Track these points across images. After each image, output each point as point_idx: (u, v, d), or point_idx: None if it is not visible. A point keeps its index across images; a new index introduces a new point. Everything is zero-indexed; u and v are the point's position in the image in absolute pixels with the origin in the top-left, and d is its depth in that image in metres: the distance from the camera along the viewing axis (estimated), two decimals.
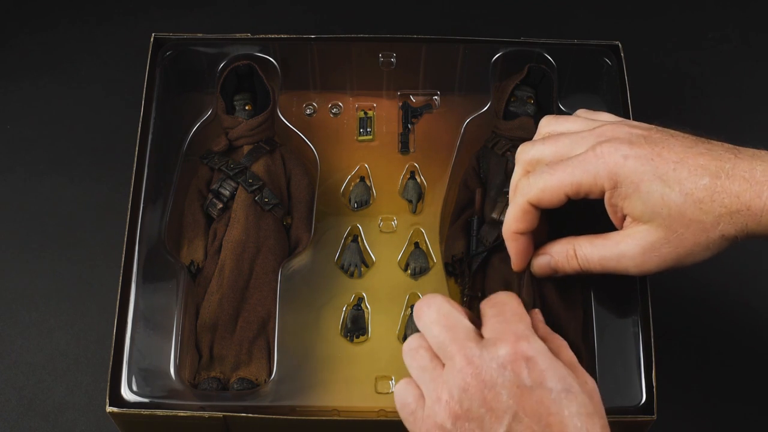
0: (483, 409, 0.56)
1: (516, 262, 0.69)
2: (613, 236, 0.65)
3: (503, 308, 0.60)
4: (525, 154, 0.67)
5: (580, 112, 0.71)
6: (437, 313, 0.60)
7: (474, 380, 0.56)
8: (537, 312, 0.65)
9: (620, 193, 0.62)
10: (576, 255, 0.66)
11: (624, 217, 0.64)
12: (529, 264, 0.69)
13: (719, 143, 0.64)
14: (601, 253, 0.65)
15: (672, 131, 0.65)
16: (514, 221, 0.66)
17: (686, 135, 0.64)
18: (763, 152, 0.63)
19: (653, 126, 0.65)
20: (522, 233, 0.67)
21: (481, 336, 0.59)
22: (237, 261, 0.72)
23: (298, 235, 0.75)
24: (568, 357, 0.60)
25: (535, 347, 0.57)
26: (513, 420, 0.55)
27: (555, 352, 0.59)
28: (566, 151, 0.65)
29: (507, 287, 0.71)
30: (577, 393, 0.56)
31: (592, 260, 0.65)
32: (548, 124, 0.69)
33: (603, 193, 0.63)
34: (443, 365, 0.59)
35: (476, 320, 0.61)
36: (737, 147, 0.64)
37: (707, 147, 0.63)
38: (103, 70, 0.94)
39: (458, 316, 0.60)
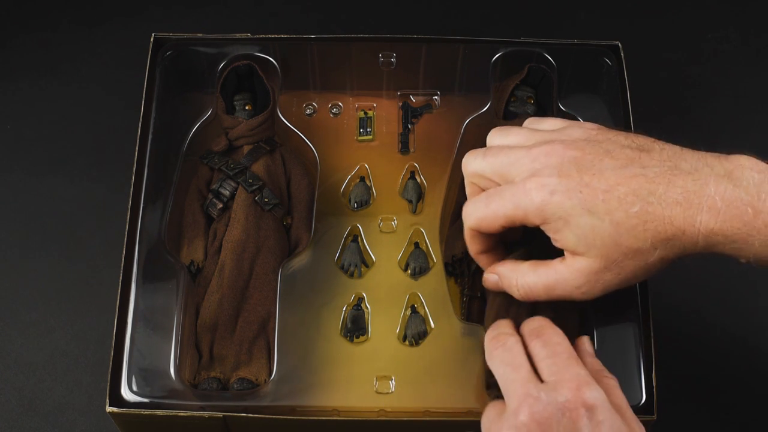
0: None
1: (487, 272, 0.69)
2: (555, 265, 0.64)
3: (557, 349, 0.60)
4: (467, 166, 0.67)
5: (527, 121, 0.70)
6: (506, 352, 0.61)
7: (530, 420, 0.56)
8: (586, 341, 0.65)
9: (552, 227, 0.62)
10: (518, 285, 0.66)
11: (561, 248, 0.64)
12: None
13: (659, 152, 0.62)
14: (546, 282, 0.65)
15: (613, 142, 0.63)
16: (469, 244, 0.68)
17: (624, 145, 0.62)
18: (703, 162, 0.61)
19: (594, 134, 0.64)
20: (482, 252, 0.68)
21: (539, 377, 0.59)
22: (237, 261, 0.72)
23: (298, 235, 0.75)
24: (619, 399, 0.60)
25: (596, 395, 0.57)
26: None
27: (606, 393, 0.59)
28: (503, 170, 0.64)
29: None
30: None
31: (538, 289, 0.65)
32: (494, 137, 0.69)
33: (536, 225, 0.63)
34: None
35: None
36: (679, 156, 0.61)
37: (642, 165, 0.61)
38: (103, 70, 0.94)
39: (523, 358, 0.60)
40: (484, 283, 0.69)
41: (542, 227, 0.63)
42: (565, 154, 0.62)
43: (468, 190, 0.68)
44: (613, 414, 0.57)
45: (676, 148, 0.62)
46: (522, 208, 0.62)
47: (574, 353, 0.60)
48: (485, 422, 0.60)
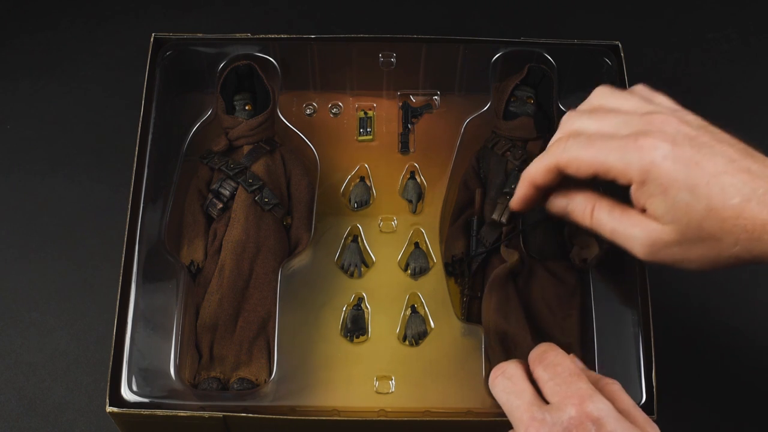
0: None
1: (516, 203, 0.68)
2: (631, 215, 0.63)
3: (557, 369, 0.59)
4: (569, 124, 0.66)
5: (639, 88, 0.68)
6: (507, 380, 0.60)
7: None
8: (573, 358, 0.64)
9: (646, 190, 0.61)
10: (592, 215, 0.65)
11: (644, 210, 0.63)
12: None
13: (762, 158, 0.62)
14: (613, 228, 0.64)
15: (722, 135, 0.63)
16: (535, 173, 0.66)
17: (735, 142, 0.62)
18: None
19: (706, 124, 0.63)
20: (537, 186, 0.67)
21: (545, 400, 0.59)
22: (237, 261, 0.72)
23: (298, 235, 0.75)
24: (626, 403, 0.59)
25: (600, 407, 0.56)
26: None
27: (611, 400, 0.58)
28: (612, 130, 0.63)
29: (504, 288, 0.71)
30: None
31: (604, 228, 0.64)
32: (601, 96, 0.67)
33: (630, 184, 0.62)
34: None
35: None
36: None
37: (749, 164, 0.61)
38: (103, 70, 0.94)
39: (525, 383, 0.60)
40: (549, 205, 0.67)
41: (634, 187, 0.62)
42: (681, 128, 0.62)
43: (553, 141, 0.67)
44: (621, 421, 0.56)
45: None
46: (626, 162, 0.61)
47: (576, 369, 0.59)
48: None
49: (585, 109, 0.66)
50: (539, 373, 0.60)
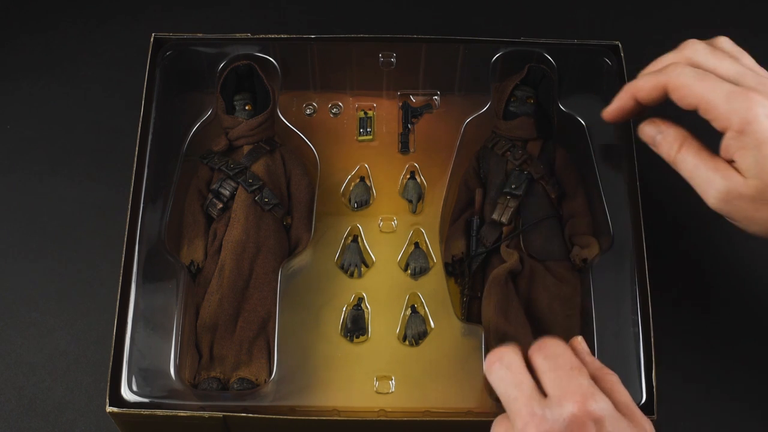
0: None
1: (609, 112, 0.70)
2: (717, 160, 0.65)
3: (558, 361, 0.59)
4: (690, 52, 0.67)
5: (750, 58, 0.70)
6: (505, 368, 0.60)
7: None
8: (580, 341, 0.64)
9: (741, 141, 0.62)
10: (679, 150, 0.66)
11: (731, 161, 0.64)
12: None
13: None
14: (696, 168, 0.65)
15: None
16: (642, 86, 0.67)
17: None
18: None
19: None
20: (636, 100, 0.68)
21: (543, 392, 0.58)
22: (237, 261, 0.72)
23: (298, 235, 0.75)
24: (623, 395, 0.59)
25: (602, 406, 0.56)
26: None
27: (608, 392, 0.58)
28: (726, 75, 0.65)
29: (503, 288, 0.71)
30: None
31: (687, 166, 0.66)
32: (726, 42, 0.68)
33: (725, 130, 0.63)
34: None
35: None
36: None
37: None
38: (103, 70, 0.94)
39: (524, 374, 0.59)
40: (639, 131, 0.69)
41: (729, 134, 0.63)
42: None
43: (660, 64, 0.68)
44: (621, 421, 0.56)
45: None
46: (728, 108, 0.62)
47: (577, 363, 0.59)
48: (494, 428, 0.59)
49: (708, 44, 0.68)
50: (539, 363, 0.60)
